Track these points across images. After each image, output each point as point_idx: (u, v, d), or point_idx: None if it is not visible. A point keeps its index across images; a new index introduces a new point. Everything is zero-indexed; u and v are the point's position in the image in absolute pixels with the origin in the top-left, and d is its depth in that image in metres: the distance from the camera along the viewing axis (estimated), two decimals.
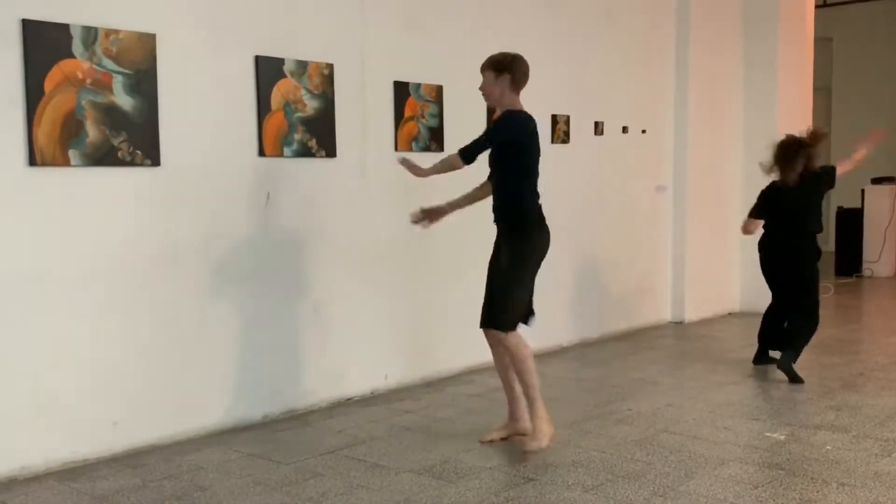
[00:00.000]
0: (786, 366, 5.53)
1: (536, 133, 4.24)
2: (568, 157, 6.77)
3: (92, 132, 4.05)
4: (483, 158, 4.21)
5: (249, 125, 4.73)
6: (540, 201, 4.28)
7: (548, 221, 4.33)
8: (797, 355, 5.59)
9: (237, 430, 4.64)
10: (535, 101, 6.50)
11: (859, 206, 11.03)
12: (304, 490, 3.74)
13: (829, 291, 9.35)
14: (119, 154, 4.16)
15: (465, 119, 5.87)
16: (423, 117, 5.63)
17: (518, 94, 4.28)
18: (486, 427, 4.63)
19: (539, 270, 4.28)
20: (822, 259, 5.75)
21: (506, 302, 4.20)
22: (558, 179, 6.64)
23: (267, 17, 4.80)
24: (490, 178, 4.37)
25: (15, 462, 3.89)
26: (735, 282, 8.53)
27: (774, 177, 5.72)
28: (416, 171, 4.25)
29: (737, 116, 8.43)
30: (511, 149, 4.16)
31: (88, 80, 4.03)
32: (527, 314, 4.31)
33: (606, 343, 7.01)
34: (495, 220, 4.33)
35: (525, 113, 4.24)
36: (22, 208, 3.89)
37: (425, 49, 5.68)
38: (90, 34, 4.03)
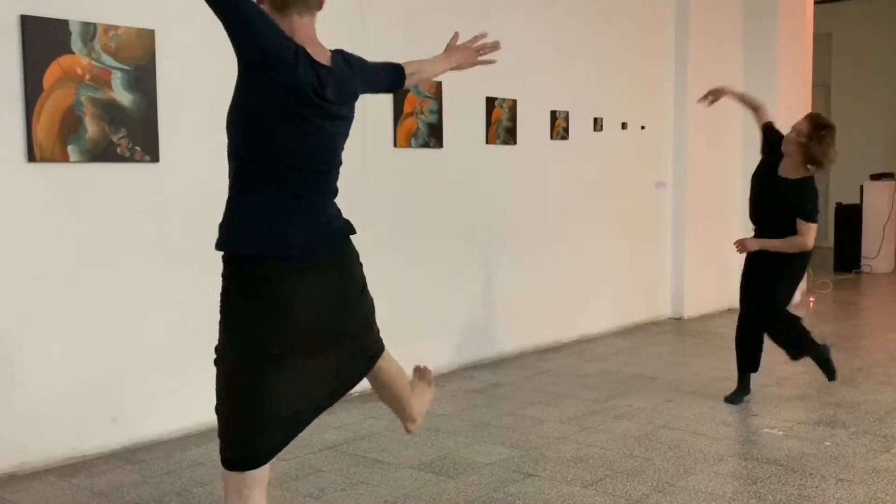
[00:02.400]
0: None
1: (289, 61, 2.32)
2: (567, 154, 6.78)
3: (91, 128, 4.05)
4: None
5: None
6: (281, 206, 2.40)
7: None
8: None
9: None
10: (535, 97, 6.57)
11: (858, 202, 11.04)
12: (304, 486, 3.74)
13: (827, 287, 9.35)
14: (118, 150, 4.16)
15: (465, 115, 5.88)
16: (422, 113, 5.62)
17: (286, 17, 2.39)
18: (486, 423, 4.64)
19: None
20: (814, 255, 5.17)
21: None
22: (557, 176, 6.65)
23: None
24: None
25: (14, 458, 3.89)
26: (734, 277, 8.50)
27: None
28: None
29: (736, 113, 8.42)
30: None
31: (87, 76, 4.02)
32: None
33: (605, 339, 7.01)
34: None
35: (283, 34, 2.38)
36: (21, 204, 3.89)
37: (424, 45, 5.65)
38: (89, 30, 4.02)
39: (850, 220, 11.00)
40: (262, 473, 2.41)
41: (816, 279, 9.22)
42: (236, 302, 2.37)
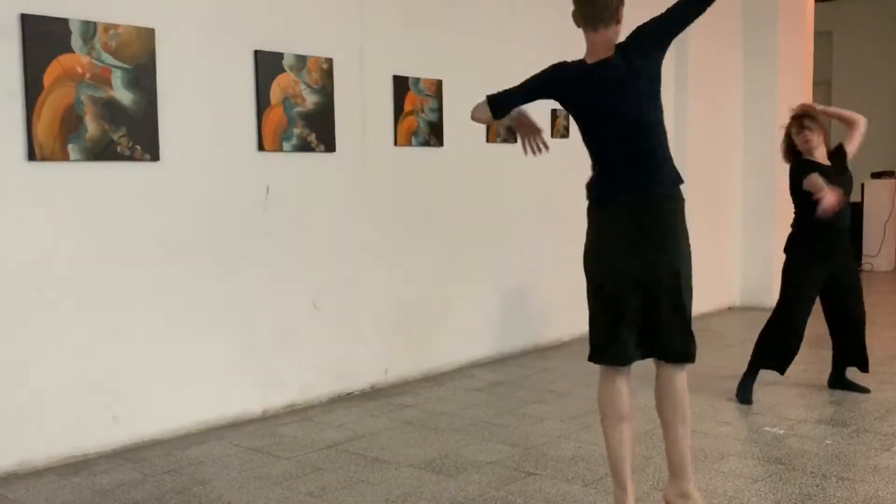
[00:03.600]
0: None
1: (570, 82, 3.33)
2: (568, 152, 6.74)
3: (91, 127, 4.05)
4: None
5: (249, 119, 4.73)
6: (608, 176, 3.33)
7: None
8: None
9: (237, 424, 4.64)
10: None
11: (859, 200, 11.03)
12: (305, 484, 3.74)
13: None
14: (118, 149, 4.16)
15: (465, 114, 5.85)
16: (422, 112, 5.62)
17: (587, 34, 3.28)
18: (486, 421, 4.64)
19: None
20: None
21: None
22: (558, 174, 6.64)
23: (266, 12, 4.79)
24: None
25: (15, 456, 3.90)
26: (735, 276, 8.53)
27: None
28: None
29: (736, 110, 8.43)
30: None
31: (88, 75, 4.02)
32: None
33: None
34: None
35: (561, 65, 3.40)
36: (21, 203, 3.89)
37: (425, 43, 5.67)
38: (89, 28, 4.02)
39: (850, 218, 10.98)
40: (626, 369, 3.30)
41: None
42: (593, 238, 3.32)
